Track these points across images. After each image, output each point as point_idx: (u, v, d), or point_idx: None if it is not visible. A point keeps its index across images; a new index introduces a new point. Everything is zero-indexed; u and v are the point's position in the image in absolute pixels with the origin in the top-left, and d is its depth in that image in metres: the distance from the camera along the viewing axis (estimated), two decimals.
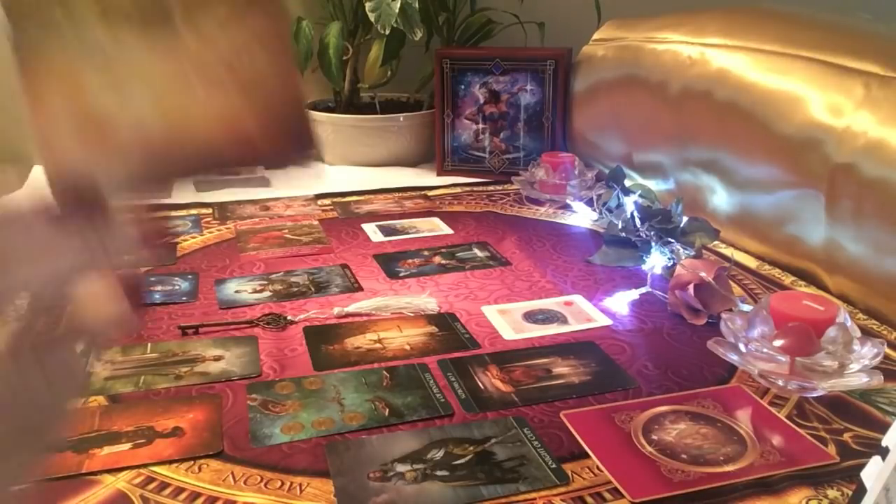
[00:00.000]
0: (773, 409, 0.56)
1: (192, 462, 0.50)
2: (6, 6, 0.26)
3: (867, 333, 0.65)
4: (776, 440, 0.52)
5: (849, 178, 0.74)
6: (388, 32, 1.20)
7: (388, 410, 0.56)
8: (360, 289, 0.80)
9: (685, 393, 0.59)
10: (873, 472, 0.34)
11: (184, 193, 1.13)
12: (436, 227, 1.01)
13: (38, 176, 1.33)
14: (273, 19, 0.29)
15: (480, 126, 1.28)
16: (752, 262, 0.87)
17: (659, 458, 0.50)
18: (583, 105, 1.23)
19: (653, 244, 0.83)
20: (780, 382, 0.58)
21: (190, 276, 0.82)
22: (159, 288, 0.79)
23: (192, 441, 0.53)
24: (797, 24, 0.92)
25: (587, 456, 0.51)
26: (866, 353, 0.57)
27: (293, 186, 1.19)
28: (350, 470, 0.49)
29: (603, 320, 0.72)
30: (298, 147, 0.30)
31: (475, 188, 1.22)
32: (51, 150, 0.27)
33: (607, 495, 0.47)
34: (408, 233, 0.99)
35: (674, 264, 0.78)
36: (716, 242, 0.91)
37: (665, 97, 1.03)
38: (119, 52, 0.27)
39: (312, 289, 0.79)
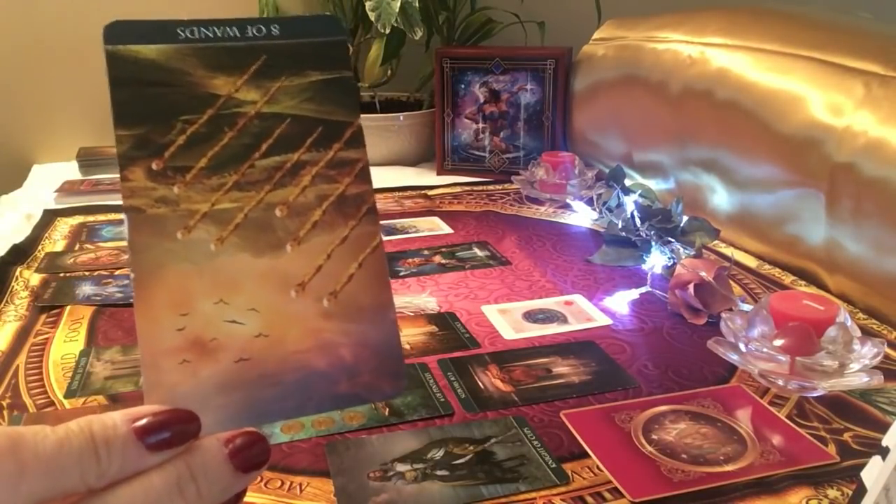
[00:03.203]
0: (773, 409, 0.56)
1: None
2: (135, 226, 0.28)
3: (867, 333, 0.65)
4: (776, 440, 0.52)
5: (849, 178, 0.74)
6: (388, 31, 1.20)
7: (387, 410, 0.56)
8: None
9: (685, 392, 0.59)
10: (873, 472, 0.34)
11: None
12: (436, 226, 1.01)
13: (37, 176, 1.33)
14: (375, 252, 0.30)
15: (480, 125, 1.28)
16: (752, 262, 0.87)
17: (659, 457, 0.50)
18: (583, 104, 1.23)
19: (653, 244, 0.83)
20: (780, 382, 0.58)
21: None
22: None
23: None
24: (797, 24, 0.92)
25: (587, 455, 0.51)
26: (866, 353, 0.57)
27: None
28: (350, 469, 0.49)
29: (603, 320, 0.72)
30: (391, 383, 0.30)
31: (475, 187, 1.22)
32: (155, 370, 0.28)
33: (607, 495, 0.47)
34: (407, 232, 0.99)
35: (674, 264, 0.78)
36: (716, 242, 0.91)
37: (665, 96, 1.03)
38: (231, 277, 0.29)
39: None
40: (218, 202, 0.29)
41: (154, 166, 0.29)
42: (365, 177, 0.31)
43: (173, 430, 0.26)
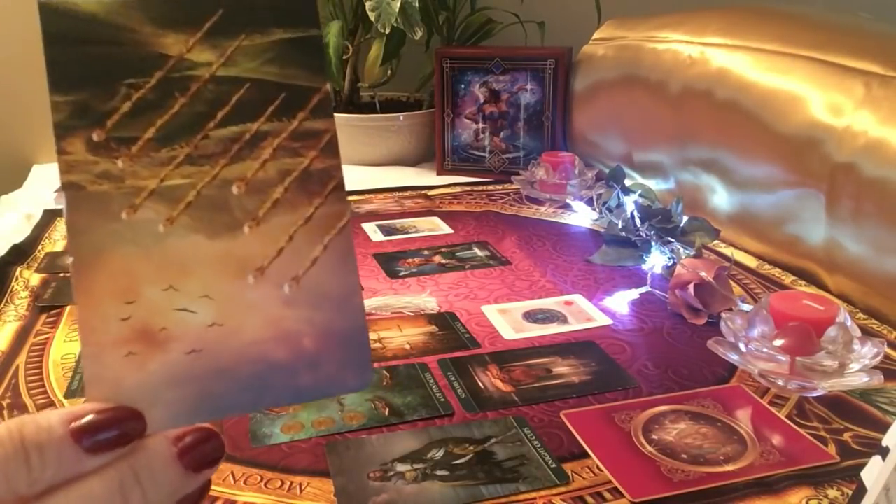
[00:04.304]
0: (773, 409, 0.56)
1: None
2: (74, 205, 0.26)
3: (867, 333, 0.65)
4: (776, 440, 0.52)
5: (849, 178, 0.74)
6: (388, 31, 1.20)
7: (388, 410, 0.56)
8: (360, 288, 0.79)
9: (685, 392, 0.59)
10: (873, 472, 0.34)
11: None
12: (436, 226, 1.01)
13: (37, 176, 1.33)
14: (342, 236, 0.28)
15: (480, 125, 1.28)
16: (752, 262, 0.87)
17: (659, 457, 0.50)
18: (583, 104, 1.23)
19: (653, 244, 0.83)
20: (780, 382, 0.58)
21: None
22: None
23: None
24: (797, 24, 0.92)
25: (587, 455, 0.51)
26: (866, 353, 0.57)
27: None
28: (350, 470, 0.49)
29: (603, 320, 0.72)
30: (357, 375, 0.28)
31: (475, 187, 1.22)
32: (98, 364, 0.26)
33: (607, 495, 0.47)
34: (408, 232, 0.99)
35: (674, 264, 0.78)
36: (716, 242, 0.91)
37: (665, 96, 1.03)
38: (182, 261, 0.26)
39: None
40: (167, 178, 0.26)
41: (95, 137, 0.26)
42: (332, 150, 0.28)
43: (114, 431, 0.24)
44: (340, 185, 0.28)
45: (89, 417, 0.24)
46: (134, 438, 0.25)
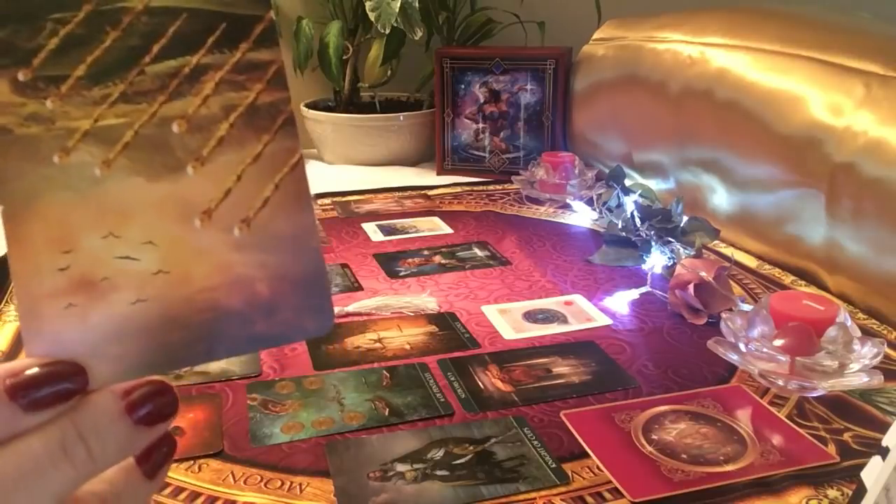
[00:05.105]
0: (773, 409, 0.56)
1: (192, 462, 0.50)
2: (1, 150, 0.24)
3: (867, 333, 0.65)
4: (776, 440, 0.52)
5: (849, 178, 0.74)
6: (388, 32, 1.20)
7: (388, 410, 0.56)
8: (360, 288, 0.80)
9: (685, 392, 0.59)
10: (873, 472, 0.34)
11: None
12: (436, 226, 1.01)
13: None
14: (294, 170, 0.26)
15: (480, 125, 1.28)
16: (752, 262, 0.87)
17: (659, 457, 0.50)
18: (583, 104, 1.23)
19: (653, 244, 0.83)
20: (780, 382, 0.58)
21: None
22: None
23: (192, 441, 0.52)
24: (797, 24, 0.92)
25: (587, 455, 0.51)
26: (866, 353, 0.57)
27: None
28: (350, 470, 0.49)
29: (603, 320, 0.72)
30: (315, 320, 0.27)
31: (475, 187, 1.22)
32: (35, 317, 0.24)
33: (607, 495, 0.47)
34: (408, 232, 0.99)
35: (674, 264, 0.78)
36: (716, 242, 0.91)
37: (665, 97, 1.03)
38: (121, 206, 0.25)
39: None
40: (102, 118, 0.25)
41: (21, 76, 0.24)
42: (280, 82, 0.26)
43: (53, 387, 0.23)
44: (290, 119, 0.26)
45: (27, 373, 0.23)
46: (75, 394, 0.24)
